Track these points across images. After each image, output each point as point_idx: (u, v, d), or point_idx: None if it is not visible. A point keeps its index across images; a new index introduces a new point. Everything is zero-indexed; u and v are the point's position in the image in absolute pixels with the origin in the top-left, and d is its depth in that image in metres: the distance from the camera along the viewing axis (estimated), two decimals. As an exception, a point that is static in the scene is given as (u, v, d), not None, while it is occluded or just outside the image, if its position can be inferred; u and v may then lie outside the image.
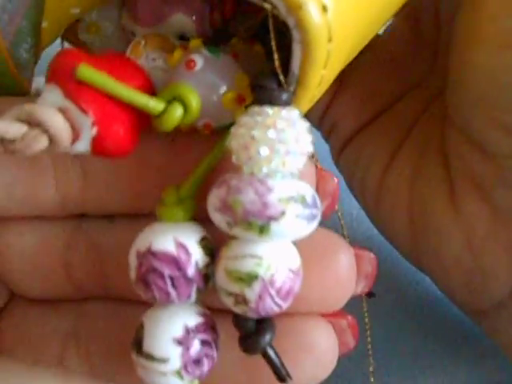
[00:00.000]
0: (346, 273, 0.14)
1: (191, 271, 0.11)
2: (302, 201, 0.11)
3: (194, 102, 0.11)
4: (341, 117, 0.22)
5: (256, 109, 0.11)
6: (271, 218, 0.10)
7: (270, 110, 0.11)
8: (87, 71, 0.10)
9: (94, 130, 0.10)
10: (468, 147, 0.18)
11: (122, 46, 0.15)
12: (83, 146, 0.11)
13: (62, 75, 0.10)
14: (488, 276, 0.18)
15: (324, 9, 0.10)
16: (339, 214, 0.14)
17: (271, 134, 0.10)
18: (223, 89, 0.12)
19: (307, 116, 0.22)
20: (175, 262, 0.11)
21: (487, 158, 0.17)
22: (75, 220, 0.15)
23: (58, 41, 0.15)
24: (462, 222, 0.18)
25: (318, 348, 0.14)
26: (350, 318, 0.14)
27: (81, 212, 0.14)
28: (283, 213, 0.10)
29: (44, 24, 0.13)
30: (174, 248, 0.11)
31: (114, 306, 0.15)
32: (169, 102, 0.11)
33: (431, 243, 0.19)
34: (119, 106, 0.11)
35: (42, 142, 0.10)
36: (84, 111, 0.10)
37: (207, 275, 0.12)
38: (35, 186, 0.13)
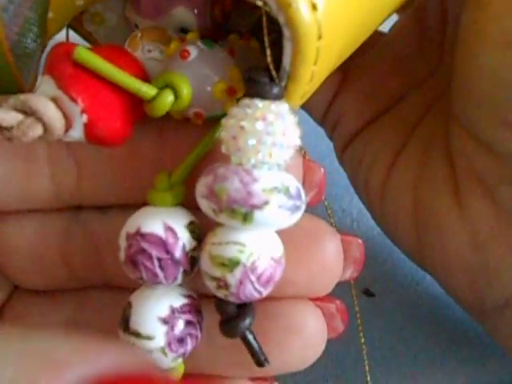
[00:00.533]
0: (332, 258, 0.14)
1: (178, 254, 0.12)
2: (286, 192, 0.11)
3: (185, 89, 0.12)
4: (344, 114, 0.22)
5: (246, 101, 0.11)
6: (255, 207, 0.11)
7: (259, 103, 0.11)
8: (84, 53, 0.11)
9: (85, 118, 0.11)
10: (472, 145, 0.18)
11: (126, 37, 0.15)
12: (77, 133, 0.11)
13: (55, 66, 0.11)
14: (492, 275, 0.18)
15: (314, 7, 0.10)
16: (326, 203, 0.15)
17: (259, 125, 0.11)
18: (215, 80, 0.12)
19: (311, 112, 0.23)
20: (163, 245, 0.11)
21: (492, 157, 0.17)
22: (71, 212, 0.15)
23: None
24: (466, 221, 0.18)
25: (306, 330, 0.14)
26: (338, 302, 0.14)
27: (76, 204, 0.15)
28: (267, 202, 0.11)
29: (50, 15, 0.13)
30: (162, 231, 0.11)
31: (112, 295, 0.15)
32: (161, 89, 0.12)
33: (435, 242, 0.19)
34: (111, 96, 0.11)
35: (37, 130, 0.10)
36: (73, 99, 0.11)
37: (194, 258, 0.12)
38: (30, 180, 0.14)
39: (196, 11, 0.14)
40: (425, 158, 0.20)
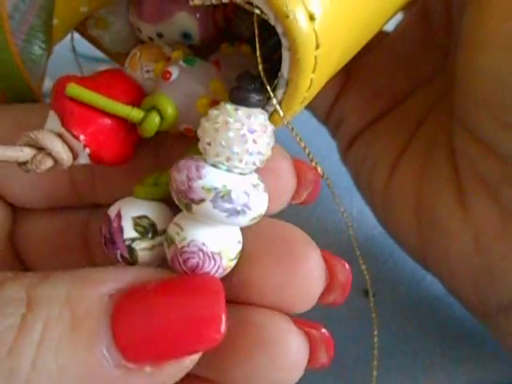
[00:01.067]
0: (310, 271, 0.13)
1: (117, 238, 0.13)
2: (225, 195, 0.11)
3: (169, 109, 0.13)
4: (348, 113, 0.22)
5: (221, 104, 0.12)
6: (192, 201, 0.12)
7: (229, 107, 0.12)
8: (75, 89, 0.12)
9: (88, 150, 0.12)
10: (475, 147, 0.18)
11: (130, 41, 0.15)
12: (84, 160, 0.13)
13: (57, 103, 0.12)
14: (496, 276, 0.18)
15: (311, 17, 0.10)
16: (345, 214, 0.14)
17: (220, 128, 0.12)
18: (197, 96, 0.13)
19: (314, 112, 0.23)
20: (109, 226, 0.13)
21: (494, 158, 0.17)
22: (91, 208, 0.16)
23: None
24: (469, 222, 0.18)
25: (278, 347, 0.13)
26: (324, 331, 0.14)
27: (94, 202, 0.16)
28: (203, 200, 0.12)
29: (55, 21, 0.14)
30: (114, 215, 0.13)
31: None
32: (148, 111, 0.13)
33: (439, 242, 0.19)
34: (109, 124, 0.13)
35: (48, 163, 0.12)
36: (76, 137, 0.12)
37: (131, 248, 0.13)
38: (55, 186, 0.15)
39: (198, 16, 0.14)
40: (427, 159, 0.20)
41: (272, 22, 0.10)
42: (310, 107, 0.22)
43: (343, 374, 0.20)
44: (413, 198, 0.20)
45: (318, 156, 0.26)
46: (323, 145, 0.23)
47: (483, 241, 0.18)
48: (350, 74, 0.22)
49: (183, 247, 0.12)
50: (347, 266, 0.14)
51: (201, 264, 0.12)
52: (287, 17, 0.10)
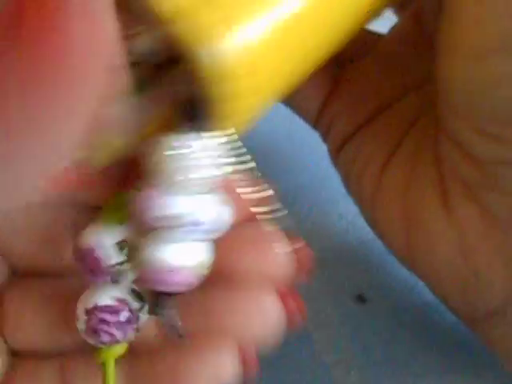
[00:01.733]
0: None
1: (102, 268, 0.14)
2: (194, 219, 0.12)
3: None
4: (337, 117, 0.22)
5: (169, 134, 0.12)
6: (160, 228, 0.12)
7: (176, 135, 0.12)
8: None
9: None
10: (456, 151, 0.18)
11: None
12: None
13: None
14: (482, 281, 0.18)
15: (226, 51, 0.11)
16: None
17: (172, 156, 0.12)
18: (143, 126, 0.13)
19: (303, 116, 0.23)
20: (90, 259, 0.14)
21: (473, 163, 0.17)
22: (82, 205, 0.17)
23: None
24: (453, 224, 0.18)
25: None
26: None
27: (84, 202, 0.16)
28: (170, 227, 0.12)
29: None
30: (91, 247, 0.14)
31: None
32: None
33: (425, 246, 0.19)
34: None
35: None
36: None
37: (120, 271, 0.14)
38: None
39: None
40: (415, 162, 0.20)
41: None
42: (299, 111, 0.23)
43: (336, 381, 0.21)
44: (401, 200, 0.20)
45: (314, 160, 0.26)
46: (319, 148, 0.23)
47: (467, 243, 0.18)
48: (339, 77, 0.22)
49: (147, 267, 0.13)
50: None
51: (181, 279, 0.13)
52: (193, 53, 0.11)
